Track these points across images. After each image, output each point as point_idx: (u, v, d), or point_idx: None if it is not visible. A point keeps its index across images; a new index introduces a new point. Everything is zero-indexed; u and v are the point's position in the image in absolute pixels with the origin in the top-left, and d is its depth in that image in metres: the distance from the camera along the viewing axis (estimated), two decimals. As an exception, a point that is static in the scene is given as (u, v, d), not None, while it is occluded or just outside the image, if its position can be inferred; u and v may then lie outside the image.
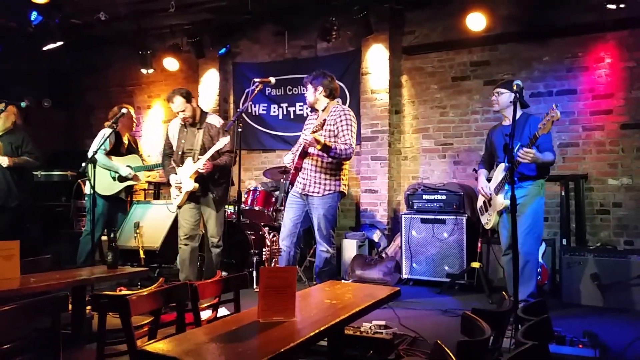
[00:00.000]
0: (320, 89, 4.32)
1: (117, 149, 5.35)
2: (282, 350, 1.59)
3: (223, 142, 4.49)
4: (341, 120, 4.20)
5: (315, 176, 4.24)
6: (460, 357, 1.47)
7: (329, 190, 4.24)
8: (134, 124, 5.65)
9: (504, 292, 2.65)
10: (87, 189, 5.34)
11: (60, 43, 6.67)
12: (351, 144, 4.17)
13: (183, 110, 4.66)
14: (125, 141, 5.50)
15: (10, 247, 2.75)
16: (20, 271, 2.78)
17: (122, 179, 5.31)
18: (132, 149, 5.56)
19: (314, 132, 4.02)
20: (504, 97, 4.15)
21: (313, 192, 4.24)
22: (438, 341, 1.54)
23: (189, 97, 4.69)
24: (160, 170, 6.65)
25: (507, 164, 3.94)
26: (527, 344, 1.53)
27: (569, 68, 5.68)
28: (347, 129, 4.19)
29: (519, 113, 4.03)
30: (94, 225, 4.78)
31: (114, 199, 5.33)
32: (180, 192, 4.72)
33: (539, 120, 3.77)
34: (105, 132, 5.15)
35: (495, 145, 4.29)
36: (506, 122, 4.25)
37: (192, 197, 4.74)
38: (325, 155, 4.17)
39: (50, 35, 6.60)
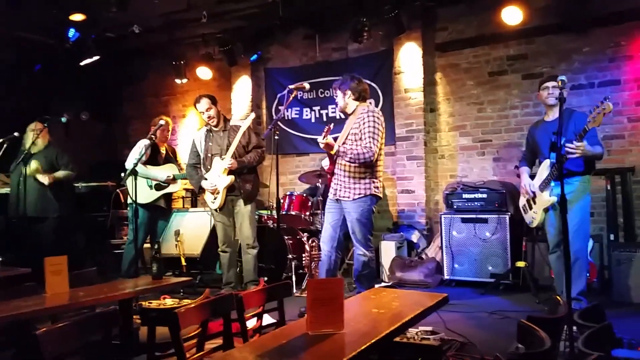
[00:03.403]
0: (349, 92, 4.25)
1: (154, 159, 5.44)
2: (335, 365, 1.56)
3: (248, 121, 4.65)
4: (364, 123, 4.12)
5: (344, 180, 4.20)
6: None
7: (359, 194, 4.16)
8: (169, 134, 5.73)
9: (558, 297, 2.56)
10: (128, 199, 5.46)
11: (96, 57, 6.82)
12: (371, 147, 4.06)
13: (208, 109, 4.84)
14: (163, 151, 5.60)
15: (58, 262, 2.81)
16: (69, 285, 2.84)
17: (159, 187, 5.39)
18: (170, 159, 5.64)
19: (324, 137, 4.05)
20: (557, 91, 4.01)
21: (344, 196, 4.21)
22: (497, 354, 1.48)
23: (214, 100, 4.96)
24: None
25: (553, 161, 3.82)
26: (593, 354, 1.46)
27: (611, 58, 5.47)
28: (369, 132, 4.09)
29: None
30: (137, 234, 4.86)
31: (154, 207, 5.42)
32: (217, 194, 4.76)
33: (583, 116, 3.64)
34: (143, 142, 5.25)
35: (538, 142, 4.16)
36: (549, 117, 4.12)
37: (226, 199, 4.79)
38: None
39: (87, 50, 6.76)
